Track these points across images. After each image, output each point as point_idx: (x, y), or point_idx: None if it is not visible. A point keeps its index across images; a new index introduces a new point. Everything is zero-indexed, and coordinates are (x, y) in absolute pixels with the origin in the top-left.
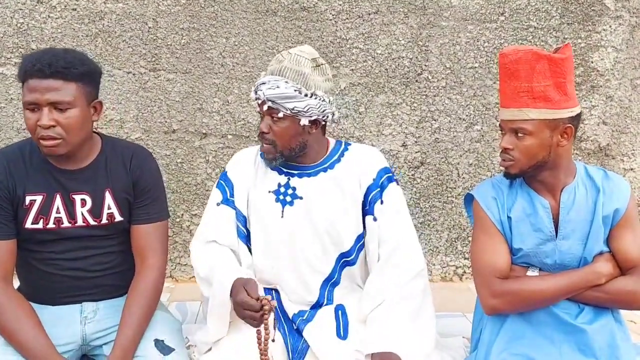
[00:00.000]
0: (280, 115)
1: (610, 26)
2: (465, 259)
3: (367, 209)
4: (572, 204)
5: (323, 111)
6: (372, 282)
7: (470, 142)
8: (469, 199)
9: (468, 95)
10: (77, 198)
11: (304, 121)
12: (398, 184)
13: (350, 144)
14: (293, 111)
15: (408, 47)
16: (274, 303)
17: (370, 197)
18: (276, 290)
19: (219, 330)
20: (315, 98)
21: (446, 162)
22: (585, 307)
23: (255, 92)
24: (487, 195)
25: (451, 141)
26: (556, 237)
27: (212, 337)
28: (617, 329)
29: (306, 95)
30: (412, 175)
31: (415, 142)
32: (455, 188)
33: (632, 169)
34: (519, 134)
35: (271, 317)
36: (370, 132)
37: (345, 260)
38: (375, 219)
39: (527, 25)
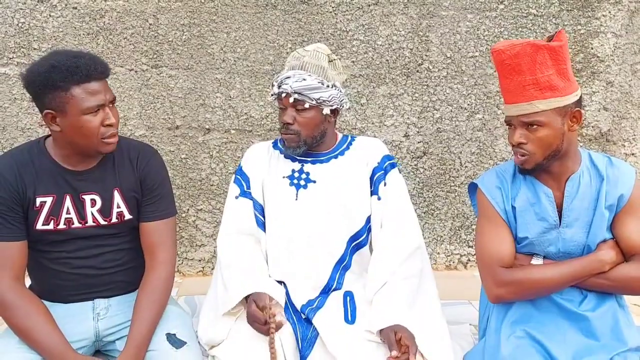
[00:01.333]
0: (307, 105)
1: (609, 12)
2: (469, 247)
3: (372, 189)
4: (575, 192)
5: (341, 101)
6: (373, 264)
7: (472, 131)
8: (473, 188)
9: (469, 85)
10: (87, 198)
11: (326, 110)
12: (400, 172)
13: (355, 137)
14: (318, 101)
15: (408, 37)
16: (280, 322)
17: (375, 178)
18: (285, 285)
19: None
20: (335, 89)
21: (448, 151)
22: (589, 294)
23: (279, 87)
24: (491, 185)
25: (453, 130)
26: (560, 225)
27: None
28: (620, 313)
29: (328, 86)
30: (415, 165)
31: (418, 132)
32: (458, 177)
33: (633, 154)
34: (533, 127)
35: (277, 339)
36: (373, 123)
37: (356, 243)
38: (379, 199)
39: (527, 12)
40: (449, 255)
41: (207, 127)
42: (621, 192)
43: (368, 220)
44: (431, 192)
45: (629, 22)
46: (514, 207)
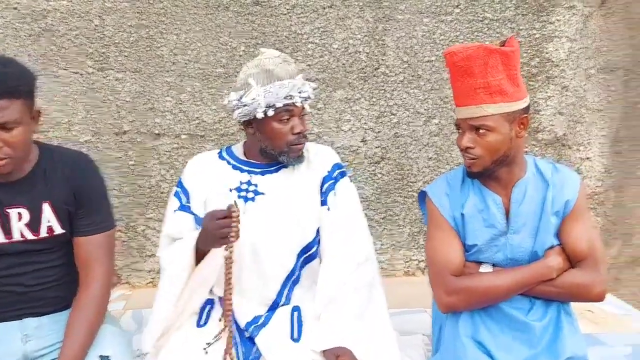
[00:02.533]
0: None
1: (564, 16)
2: None
3: (322, 200)
4: (522, 198)
5: None
6: (322, 274)
7: (429, 136)
8: (423, 196)
9: (426, 89)
10: (13, 212)
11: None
12: (351, 180)
13: (306, 142)
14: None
15: (365, 41)
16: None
17: (324, 187)
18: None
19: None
20: None
21: (406, 156)
22: (537, 302)
23: (299, 96)
24: (440, 192)
25: (410, 135)
26: (507, 231)
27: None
28: (566, 322)
29: None
30: (373, 170)
31: (375, 137)
32: (415, 182)
33: (588, 158)
34: (481, 131)
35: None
36: (330, 128)
37: (307, 255)
38: (329, 209)
39: (483, 17)
40: (407, 261)
41: (156, 132)
42: (567, 197)
43: (318, 231)
44: (389, 197)
45: (583, 26)
46: (462, 214)
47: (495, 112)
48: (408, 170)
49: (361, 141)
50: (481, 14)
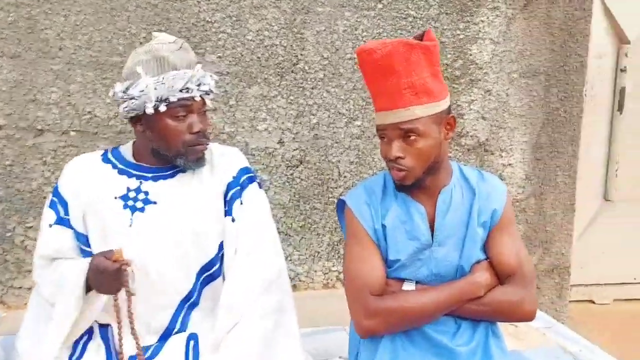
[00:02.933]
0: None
1: (487, 17)
2: None
3: (226, 209)
4: (448, 207)
5: None
6: (225, 297)
7: (350, 138)
8: (341, 206)
9: (347, 89)
10: None
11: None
12: (261, 187)
13: (209, 144)
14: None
15: (282, 33)
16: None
17: (229, 195)
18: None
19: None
20: None
21: (326, 160)
22: (463, 323)
23: (197, 89)
24: (360, 201)
25: (331, 137)
26: (432, 244)
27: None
28: (494, 344)
29: None
30: (291, 175)
31: (293, 138)
32: (336, 188)
33: (510, 165)
34: (410, 137)
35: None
36: (243, 127)
37: (207, 275)
38: (233, 220)
39: (406, 14)
40: (326, 273)
41: (39, 127)
42: (494, 207)
43: (222, 246)
44: (308, 204)
45: (507, 29)
46: (384, 226)
47: (424, 114)
48: (328, 174)
49: (278, 143)
50: (405, 11)
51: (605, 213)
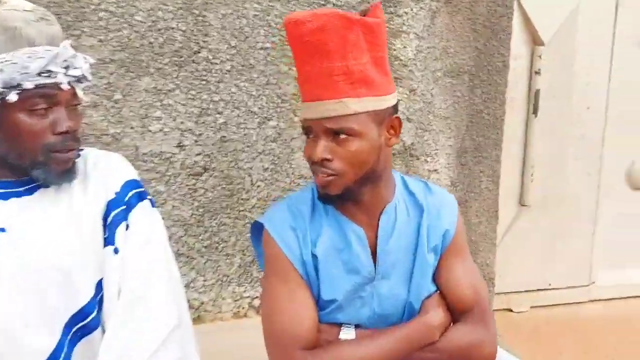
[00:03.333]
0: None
1: (412, 9)
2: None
3: (106, 236)
4: (392, 229)
5: None
6: (102, 357)
7: (264, 141)
8: (258, 230)
9: (260, 84)
10: None
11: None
12: (154, 206)
13: (82, 149)
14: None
15: (179, 15)
16: None
17: (111, 218)
18: None
19: None
20: None
21: (236, 166)
22: None
23: (65, 74)
24: (283, 225)
25: (241, 140)
26: (375, 276)
27: None
28: None
29: None
30: (193, 185)
31: (196, 141)
32: (248, 199)
33: (435, 170)
34: (341, 136)
35: None
36: (132, 128)
37: (79, 327)
38: (116, 251)
39: (325, 0)
40: (237, 300)
41: None
42: (445, 227)
43: (100, 286)
44: (215, 219)
45: (431, 23)
46: (315, 257)
47: (361, 109)
48: (239, 184)
49: (177, 146)
50: None
51: (522, 218)
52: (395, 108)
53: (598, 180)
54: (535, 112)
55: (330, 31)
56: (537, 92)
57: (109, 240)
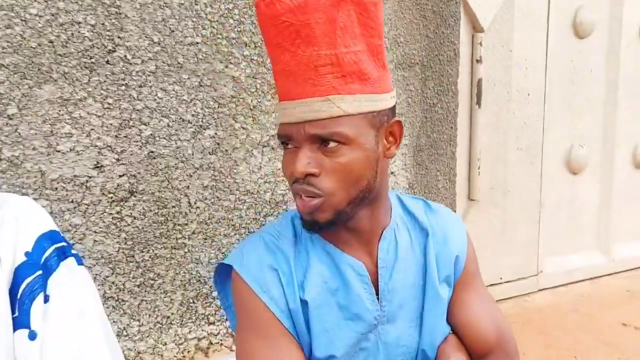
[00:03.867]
0: None
1: None
2: (210, 323)
3: (16, 316)
4: (394, 258)
5: None
6: None
7: (201, 154)
8: (223, 273)
9: (192, 86)
10: None
11: None
12: (81, 263)
13: None
14: None
15: (86, 6)
16: None
17: (21, 290)
18: None
19: None
20: None
21: (169, 186)
22: None
23: None
24: (259, 265)
25: (174, 155)
26: (379, 321)
27: None
28: None
29: None
30: (118, 213)
31: (117, 160)
32: (187, 224)
33: (392, 173)
34: (330, 145)
35: None
36: (34, 149)
37: None
38: (32, 336)
39: None
40: (180, 343)
41: None
42: (455, 252)
43: None
44: (147, 252)
45: None
46: (304, 302)
47: (354, 109)
48: (174, 207)
49: (94, 168)
50: None
51: (472, 213)
52: (393, 110)
53: (540, 169)
54: (478, 102)
55: (314, 10)
56: (480, 81)
57: (20, 322)
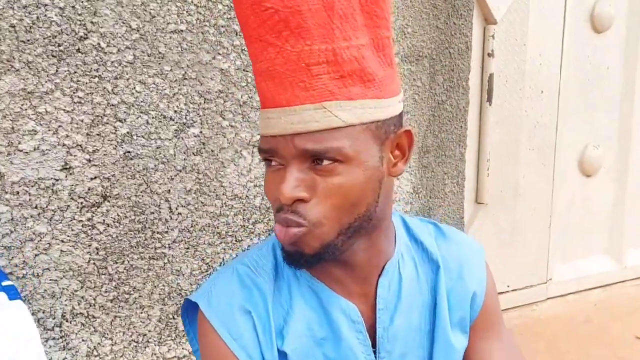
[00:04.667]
0: None
1: None
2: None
3: None
4: (396, 298)
5: None
6: None
7: (185, 155)
8: (189, 310)
9: (174, 78)
10: None
11: None
12: (15, 297)
13: None
14: None
15: None
16: None
17: None
18: None
19: None
20: None
21: (148, 190)
22: None
23: None
24: (229, 307)
25: (153, 155)
26: None
27: None
28: None
29: None
30: (89, 220)
31: (89, 160)
32: (167, 232)
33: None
34: (323, 163)
35: None
36: None
37: None
38: None
39: None
40: None
41: None
42: (472, 289)
43: None
44: (122, 263)
45: None
46: (282, 353)
47: (354, 119)
48: (153, 213)
49: (62, 170)
50: None
51: (479, 218)
52: (401, 118)
53: (552, 170)
54: (489, 99)
55: None
56: (491, 76)
57: None
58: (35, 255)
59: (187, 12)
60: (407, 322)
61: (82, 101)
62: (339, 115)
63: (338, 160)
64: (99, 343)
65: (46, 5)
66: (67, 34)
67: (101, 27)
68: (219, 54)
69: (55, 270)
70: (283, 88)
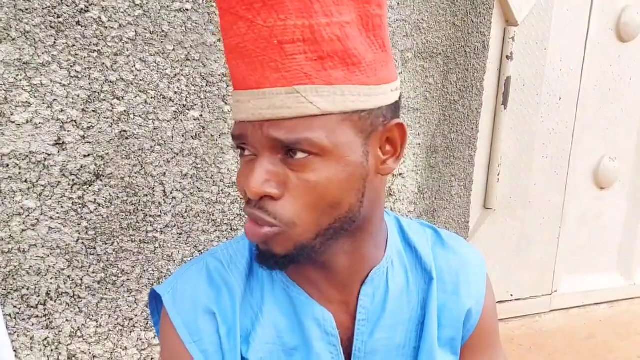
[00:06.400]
0: None
1: None
2: None
3: None
4: (380, 309)
5: None
6: None
7: (183, 138)
8: (157, 300)
9: (176, 59)
10: None
11: None
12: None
13: None
14: None
15: None
16: None
17: None
18: None
19: None
20: None
21: (143, 172)
22: None
23: None
24: (194, 306)
25: (150, 136)
26: None
27: None
28: None
29: None
30: (80, 198)
31: (83, 137)
32: (160, 216)
33: (401, 175)
34: (297, 156)
35: None
36: None
37: None
38: None
39: None
40: (143, 349)
41: None
42: (468, 305)
43: None
44: (112, 244)
45: None
46: None
47: (333, 107)
48: (146, 195)
49: (54, 145)
50: None
51: (486, 223)
52: (395, 108)
53: (565, 180)
54: (505, 103)
55: None
56: (508, 79)
57: None
58: (22, 230)
59: None
60: (389, 338)
61: (80, 76)
62: (314, 101)
63: (313, 153)
64: (83, 324)
65: None
66: (67, 5)
67: (103, 1)
68: None
69: (42, 247)
70: (253, 68)
